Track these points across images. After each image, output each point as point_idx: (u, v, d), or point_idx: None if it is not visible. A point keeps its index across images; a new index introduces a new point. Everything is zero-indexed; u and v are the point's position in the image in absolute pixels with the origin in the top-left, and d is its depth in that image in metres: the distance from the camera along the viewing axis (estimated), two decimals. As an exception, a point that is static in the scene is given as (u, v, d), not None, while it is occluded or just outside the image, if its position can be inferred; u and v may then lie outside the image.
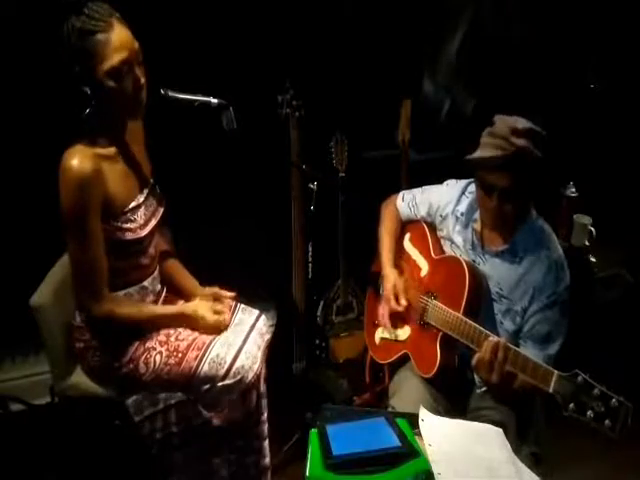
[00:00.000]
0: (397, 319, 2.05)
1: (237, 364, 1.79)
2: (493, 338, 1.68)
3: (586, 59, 3.14)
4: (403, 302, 1.99)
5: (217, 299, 1.97)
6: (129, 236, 1.72)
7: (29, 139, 2.36)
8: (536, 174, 1.73)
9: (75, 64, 1.56)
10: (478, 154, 1.76)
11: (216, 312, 1.88)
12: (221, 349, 1.81)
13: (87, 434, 2.01)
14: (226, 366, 1.78)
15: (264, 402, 2.01)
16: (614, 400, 1.37)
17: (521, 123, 1.72)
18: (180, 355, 1.79)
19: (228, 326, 1.91)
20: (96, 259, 1.66)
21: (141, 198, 1.78)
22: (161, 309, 1.91)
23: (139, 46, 1.62)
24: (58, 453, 2.24)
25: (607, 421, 1.37)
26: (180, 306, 1.94)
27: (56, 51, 1.56)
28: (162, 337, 1.83)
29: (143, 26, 1.64)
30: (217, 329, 1.87)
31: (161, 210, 1.86)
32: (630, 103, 3.07)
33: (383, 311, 2.06)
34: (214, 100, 1.79)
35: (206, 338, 1.84)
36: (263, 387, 2.00)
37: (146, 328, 1.83)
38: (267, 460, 2.05)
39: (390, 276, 2.07)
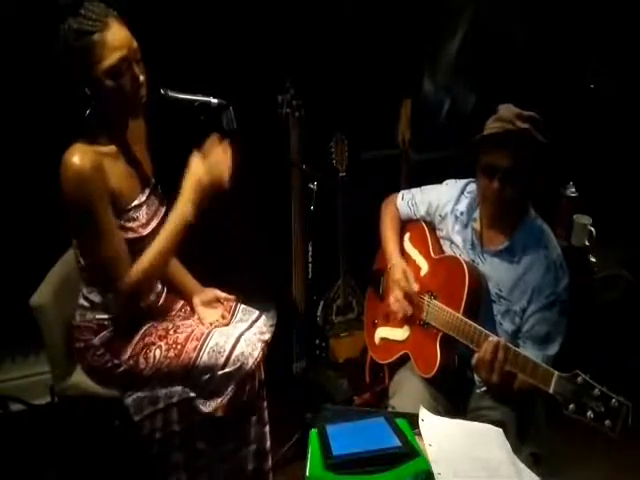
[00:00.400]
0: (397, 319, 2.05)
1: (236, 351, 1.79)
2: (493, 338, 1.68)
3: (586, 59, 3.14)
4: (414, 286, 1.97)
5: (217, 301, 1.98)
6: (131, 235, 1.72)
7: (30, 140, 2.36)
8: (536, 158, 1.75)
9: (73, 65, 1.56)
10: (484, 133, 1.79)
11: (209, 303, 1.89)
12: (220, 338, 1.81)
13: (87, 434, 2.01)
14: (225, 354, 1.78)
15: (264, 389, 2.01)
16: (614, 400, 1.37)
17: (524, 111, 1.77)
18: (179, 347, 1.80)
19: (228, 324, 1.91)
20: (113, 248, 1.64)
21: (143, 197, 1.78)
22: (167, 229, 1.71)
23: (137, 44, 1.61)
24: (58, 453, 2.24)
25: (607, 421, 1.37)
26: (185, 191, 1.71)
27: (54, 52, 1.56)
28: (161, 332, 1.84)
29: (143, 26, 1.64)
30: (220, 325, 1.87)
31: (163, 210, 1.86)
32: (630, 103, 3.07)
33: (395, 297, 2.00)
34: (214, 100, 1.79)
35: (205, 329, 1.85)
36: (262, 374, 1.99)
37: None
38: (268, 444, 2.05)
39: (399, 264, 2.05)
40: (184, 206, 1.69)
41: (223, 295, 2.00)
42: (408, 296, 1.98)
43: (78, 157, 1.58)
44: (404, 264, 2.05)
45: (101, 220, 1.61)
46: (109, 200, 1.63)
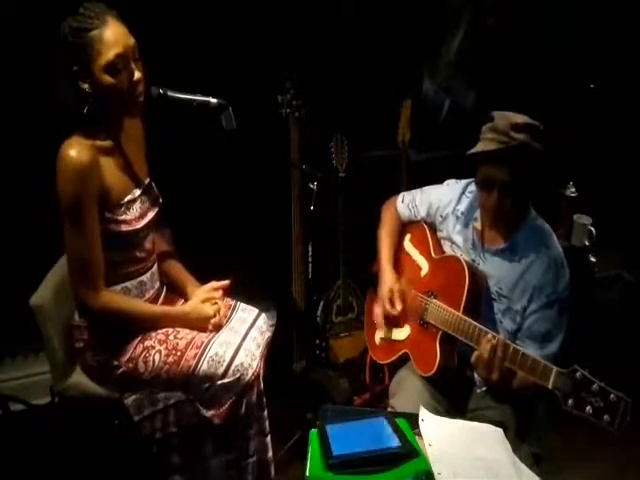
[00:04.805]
0: (397, 319, 2.05)
1: (236, 362, 1.79)
2: (492, 336, 1.68)
3: (586, 59, 3.14)
4: (398, 307, 2.01)
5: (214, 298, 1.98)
6: (124, 228, 1.73)
7: (30, 140, 2.36)
8: (535, 167, 1.74)
9: (73, 63, 1.59)
10: (479, 148, 1.76)
11: (207, 300, 1.90)
12: (220, 348, 1.81)
13: (87, 434, 2.01)
14: (225, 364, 1.78)
15: (264, 399, 2.01)
16: (613, 395, 1.37)
17: (520, 118, 1.73)
18: (179, 354, 1.79)
19: (228, 319, 1.92)
20: (92, 250, 1.67)
21: (137, 192, 1.79)
22: (158, 308, 1.90)
23: (135, 42, 1.64)
24: (58, 453, 2.24)
25: (606, 416, 1.37)
26: (178, 307, 1.94)
27: (55, 52, 1.59)
28: (161, 336, 1.83)
29: (143, 26, 1.65)
30: (215, 325, 1.88)
31: (156, 208, 1.87)
32: (630, 103, 3.07)
33: (378, 311, 2.09)
34: (213, 100, 1.79)
35: (205, 337, 1.84)
36: (262, 385, 1.99)
37: (141, 326, 1.83)
38: (270, 455, 2.04)
39: (387, 279, 2.07)
40: (175, 317, 1.87)
41: (217, 284, 1.99)
42: (390, 318, 2.04)
43: (75, 150, 1.60)
44: (393, 280, 2.06)
45: (86, 217, 1.63)
46: (98, 199, 1.65)
